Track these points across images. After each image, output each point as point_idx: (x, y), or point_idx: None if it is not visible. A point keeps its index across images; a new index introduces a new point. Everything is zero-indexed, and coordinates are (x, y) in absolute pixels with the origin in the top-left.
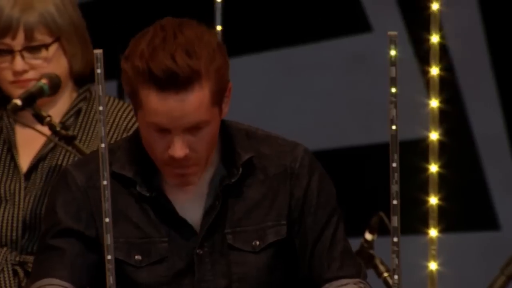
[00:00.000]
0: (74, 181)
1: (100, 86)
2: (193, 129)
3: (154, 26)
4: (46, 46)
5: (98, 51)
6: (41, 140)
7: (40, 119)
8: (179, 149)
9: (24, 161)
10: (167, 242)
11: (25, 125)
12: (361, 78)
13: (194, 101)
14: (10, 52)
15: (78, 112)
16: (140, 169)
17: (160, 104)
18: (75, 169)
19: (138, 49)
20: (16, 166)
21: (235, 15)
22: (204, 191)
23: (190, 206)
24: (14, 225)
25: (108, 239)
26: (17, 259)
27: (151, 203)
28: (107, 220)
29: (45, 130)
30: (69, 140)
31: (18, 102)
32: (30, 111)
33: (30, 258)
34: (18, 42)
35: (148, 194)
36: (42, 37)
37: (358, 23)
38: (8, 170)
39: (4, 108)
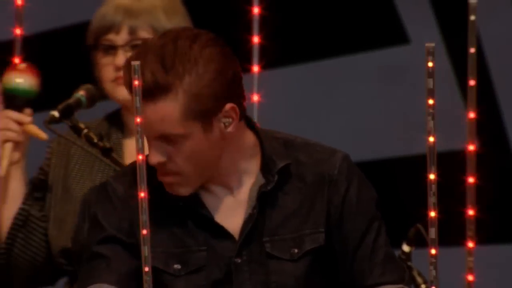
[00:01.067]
0: (115, 192)
1: (137, 98)
2: (167, 139)
3: (163, 32)
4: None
5: (136, 63)
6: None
7: (78, 131)
8: (151, 156)
9: None
10: (205, 251)
11: (60, 135)
12: (399, 89)
13: (157, 113)
14: (113, 48)
15: None
16: None
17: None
18: (115, 180)
19: (132, 55)
20: None
21: (273, 27)
22: (244, 199)
23: (230, 214)
24: None
25: (145, 251)
26: None
27: (189, 212)
28: (144, 232)
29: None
30: (106, 152)
31: (56, 114)
32: (68, 123)
33: None
34: (122, 37)
35: (186, 203)
36: (145, 33)
37: (396, 35)
38: None
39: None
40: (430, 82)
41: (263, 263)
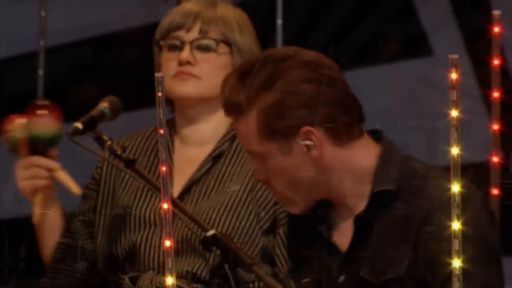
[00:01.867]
0: None
1: (160, 110)
2: (255, 157)
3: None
4: (217, 42)
5: (159, 75)
6: (195, 164)
7: (101, 142)
8: (255, 171)
9: (178, 185)
10: (318, 266)
11: (86, 148)
12: (423, 101)
13: (242, 129)
14: (179, 47)
15: (234, 136)
16: None
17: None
18: None
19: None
20: None
21: (295, 38)
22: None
23: (346, 235)
24: (161, 249)
25: (169, 263)
26: (161, 281)
27: (313, 228)
28: (167, 243)
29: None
30: (130, 164)
31: (79, 125)
32: (91, 135)
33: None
34: (191, 35)
35: (311, 218)
36: (215, 36)
37: (420, 47)
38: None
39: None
40: (454, 94)
41: (358, 286)
